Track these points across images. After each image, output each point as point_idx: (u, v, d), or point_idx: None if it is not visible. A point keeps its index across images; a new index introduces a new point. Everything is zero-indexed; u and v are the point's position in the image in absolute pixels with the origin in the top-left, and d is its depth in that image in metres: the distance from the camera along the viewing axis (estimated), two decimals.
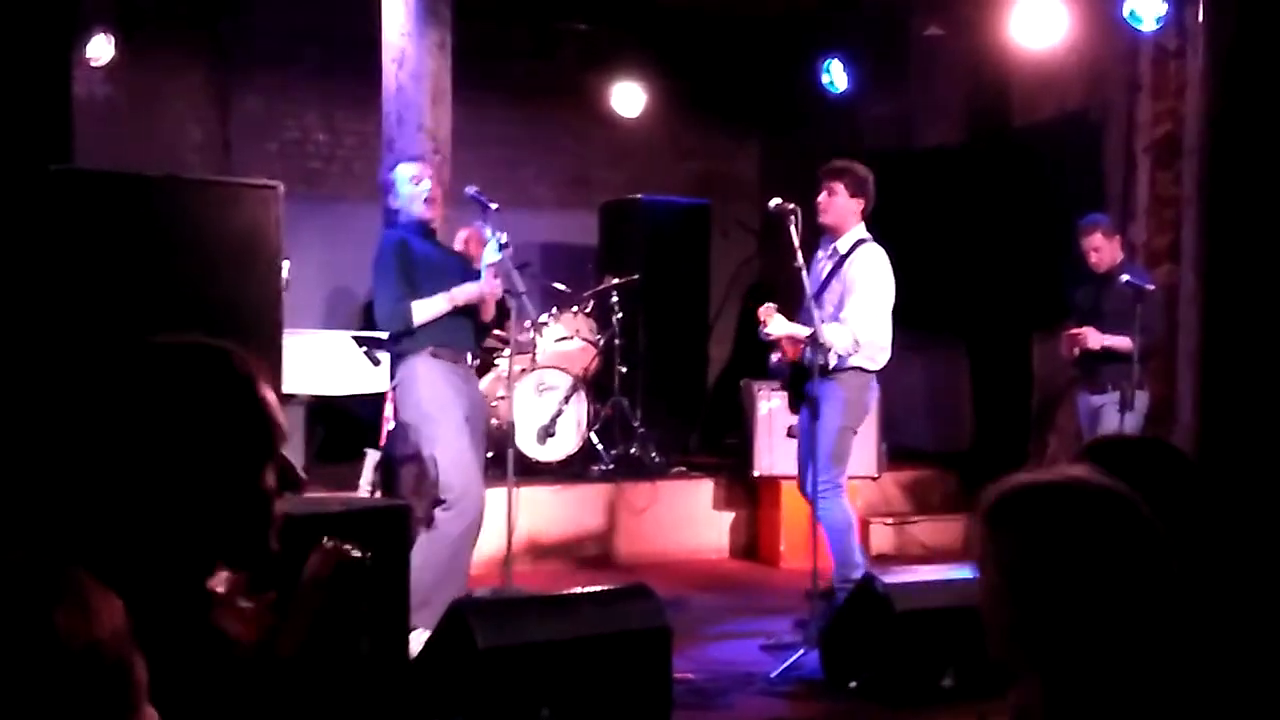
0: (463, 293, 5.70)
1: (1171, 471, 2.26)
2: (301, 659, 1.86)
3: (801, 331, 5.95)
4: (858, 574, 5.73)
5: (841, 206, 6.14)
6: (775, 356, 6.25)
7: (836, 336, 5.87)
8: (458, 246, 7.11)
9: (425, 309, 5.64)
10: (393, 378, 5.93)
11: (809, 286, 5.91)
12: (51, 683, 1.13)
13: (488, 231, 5.81)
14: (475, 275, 5.80)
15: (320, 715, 1.87)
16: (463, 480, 5.55)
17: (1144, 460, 2.30)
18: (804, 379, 5.91)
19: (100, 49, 8.79)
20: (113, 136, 8.88)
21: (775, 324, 6.05)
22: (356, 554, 1.95)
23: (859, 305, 5.96)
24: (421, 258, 5.72)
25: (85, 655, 1.15)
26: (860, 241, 6.13)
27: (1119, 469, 2.27)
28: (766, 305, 6.13)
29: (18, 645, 1.13)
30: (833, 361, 5.91)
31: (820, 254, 6.31)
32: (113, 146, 8.72)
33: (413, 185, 5.77)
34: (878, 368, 6.11)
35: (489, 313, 5.87)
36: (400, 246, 5.72)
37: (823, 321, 5.83)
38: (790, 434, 7.00)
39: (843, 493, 6.08)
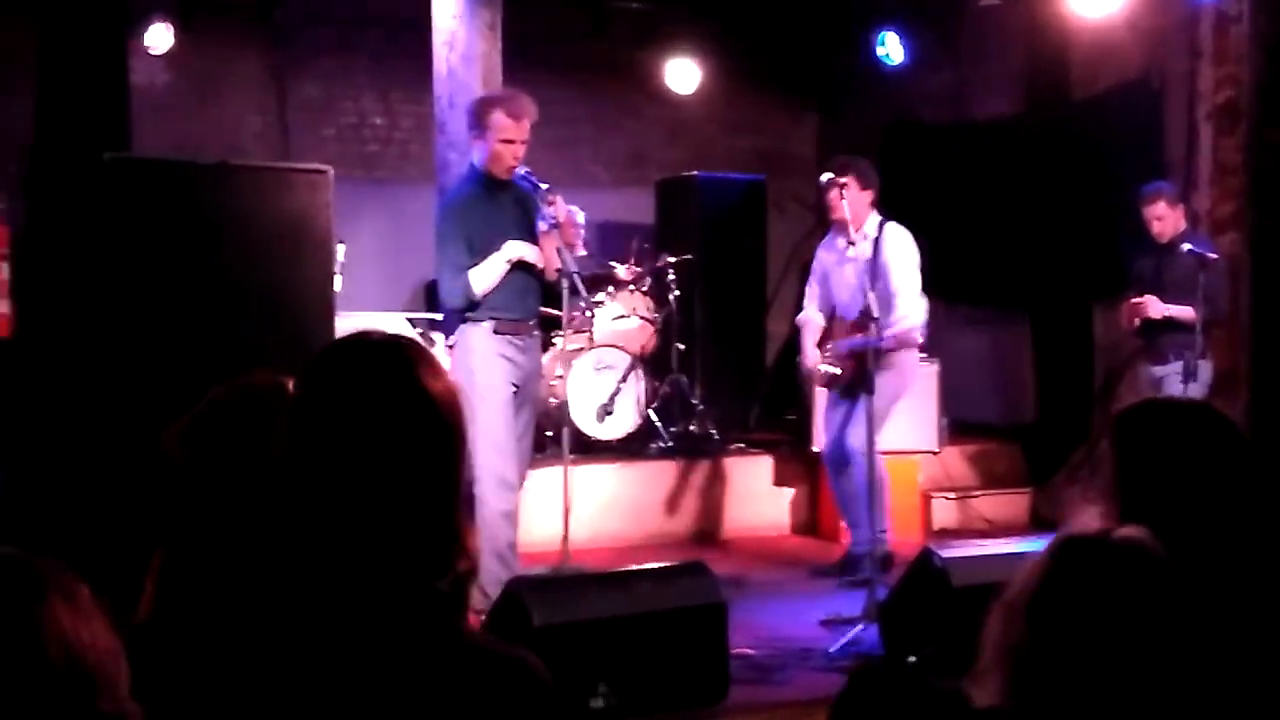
0: (514, 249, 5.68)
1: (1216, 437, 2.23)
2: None
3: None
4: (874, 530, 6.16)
5: (854, 199, 6.39)
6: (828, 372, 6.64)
7: (915, 313, 6.40)
8: None
9: (483, 277, 5.61)
10: (450, 335, 5.96)
11: (837, 275, 6.37)
12: (27, 678, 1.17)
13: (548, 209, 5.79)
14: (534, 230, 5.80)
15: None
16: (499, 461, 5.59)
17: (1187, 425, 2.27)
18: (864, 361, 6.08)
19: (159, 38, 8.89)
20: (173, 125, 8.99)
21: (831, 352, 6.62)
22: None
23: (904, 282, 6.36)
24: (485, 218, 5.68)
25: (61, 651, 1.19)
26: (882, 224, 6.47)
27: (1161, 434, 2.24)
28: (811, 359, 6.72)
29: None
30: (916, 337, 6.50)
31: (837, 243, 6.63)
32: (173, 135, 8.84)
33: (503, 147, 5.66)
34: (922, 340, 6.66)
35: (551, 272, 5.83)
36: (463, 209, 5.69)
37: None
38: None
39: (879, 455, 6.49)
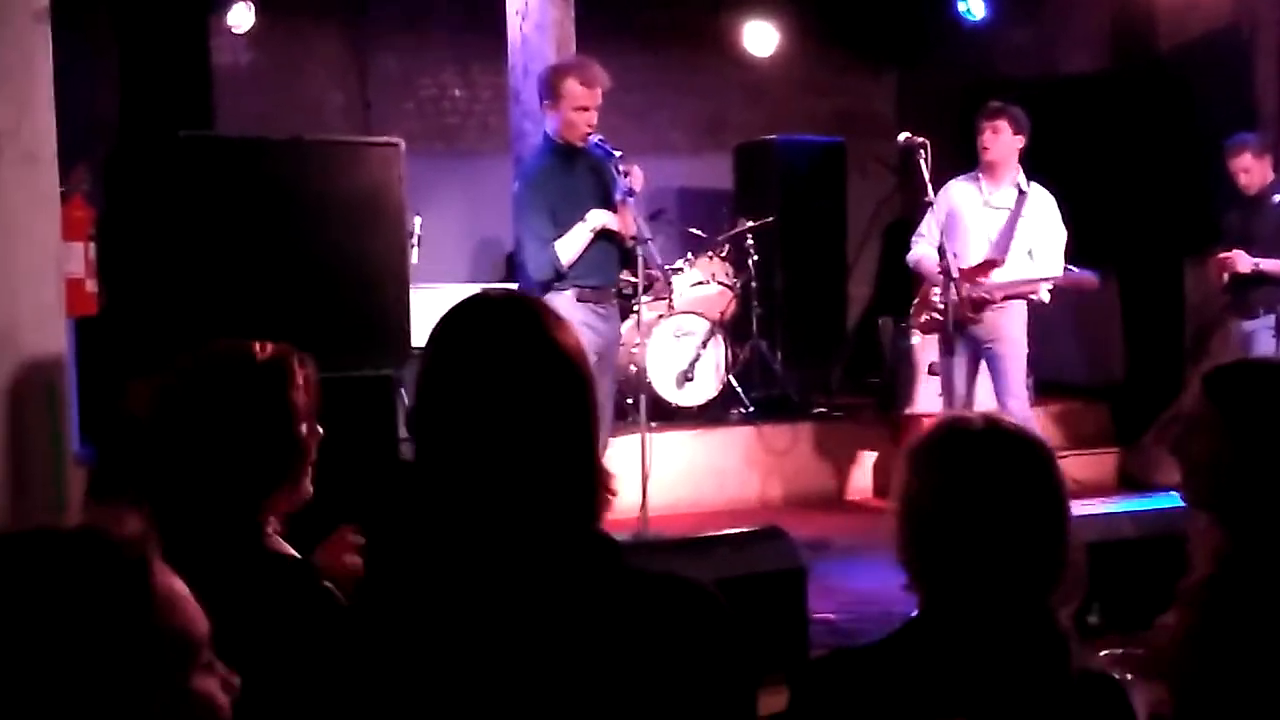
0: (598, 218, 5.70)
1: None
2: None
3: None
4: None
5: (1006, 144, 6.37)
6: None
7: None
8: None
9: (569, 247, 5.63)
10: None
11: (973, 218, 6.25)
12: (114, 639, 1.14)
13: (624, 179, 5.78)
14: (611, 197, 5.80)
15: None
16: None
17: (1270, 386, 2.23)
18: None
19: (241, 17, 9.00)
20: (256, 103, 9.11)
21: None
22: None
23: (1058, 243, 6.41)
24: (564, 188, 5.70)
25: (143, 615, 1.17)
26: (1030, 181, 6.45)
27: (1244, 395, 2.19)
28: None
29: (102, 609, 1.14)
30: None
31: (980, 186, 6.46)
32: (256, 113, 8.95)
33: (576, 114, 5.67)
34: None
35: (629, 239, 5.86)
36: (543, 180, 5.70)
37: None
38: (932, 371, 7.00)
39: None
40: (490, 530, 1.59)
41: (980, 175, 6.45)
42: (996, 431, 1.88)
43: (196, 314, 4.56)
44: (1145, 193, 8.63)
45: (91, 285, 5.75)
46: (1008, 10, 9.42)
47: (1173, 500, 5.18)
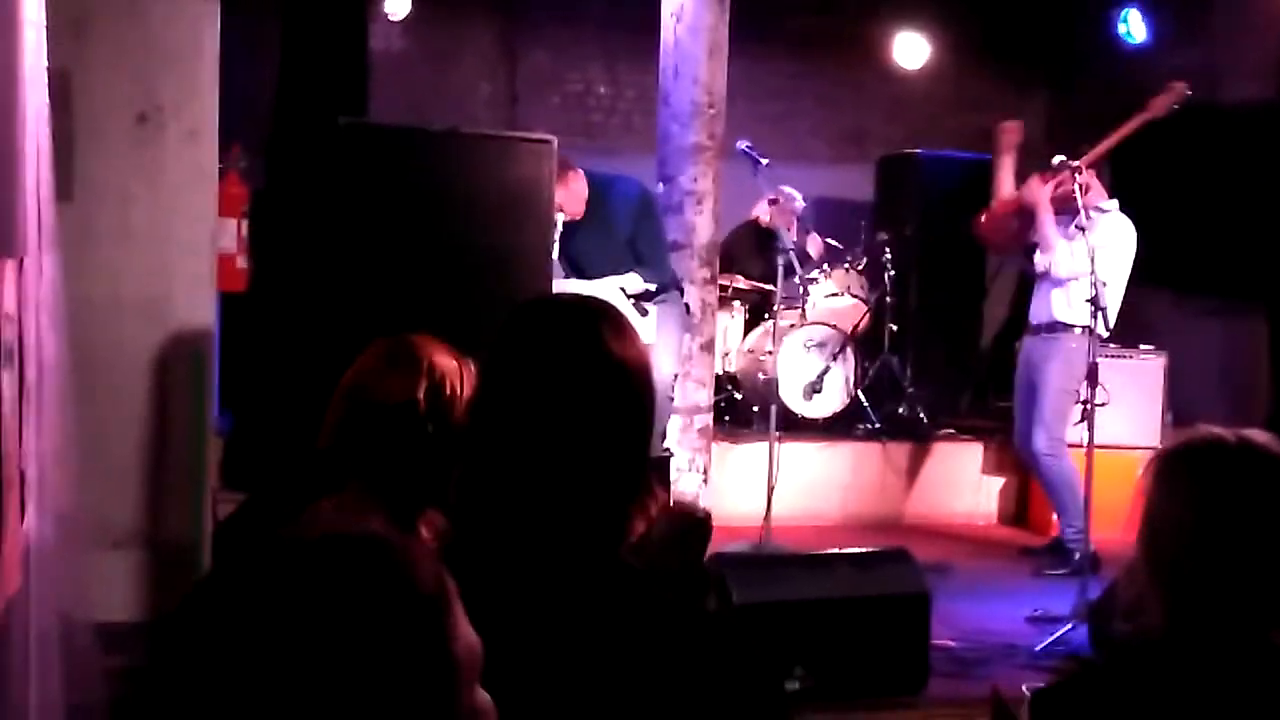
0: None
1: None
2: None
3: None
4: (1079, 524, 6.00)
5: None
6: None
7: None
8: (756, 214, 7.21)
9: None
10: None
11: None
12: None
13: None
14: None
15: None
16: None
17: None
18: None
19: (398, 4, 9.14)
20: (408, 90, 9.24)
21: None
22: (702, 514, 1.95)
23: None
24: None
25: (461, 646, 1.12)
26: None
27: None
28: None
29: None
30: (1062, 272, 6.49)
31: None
32: (408, 100, 9.08)
33: None
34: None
35: None
36: None
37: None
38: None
39: (1066, 450, 6.47)
40: (520, 539, 1.57)
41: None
42: (1250, 449, 1.83)
43: (341, 299, 4.63)
44: None
45: (242, 261, 5.89)
46: (1170, 33, 9.18)
47: None
